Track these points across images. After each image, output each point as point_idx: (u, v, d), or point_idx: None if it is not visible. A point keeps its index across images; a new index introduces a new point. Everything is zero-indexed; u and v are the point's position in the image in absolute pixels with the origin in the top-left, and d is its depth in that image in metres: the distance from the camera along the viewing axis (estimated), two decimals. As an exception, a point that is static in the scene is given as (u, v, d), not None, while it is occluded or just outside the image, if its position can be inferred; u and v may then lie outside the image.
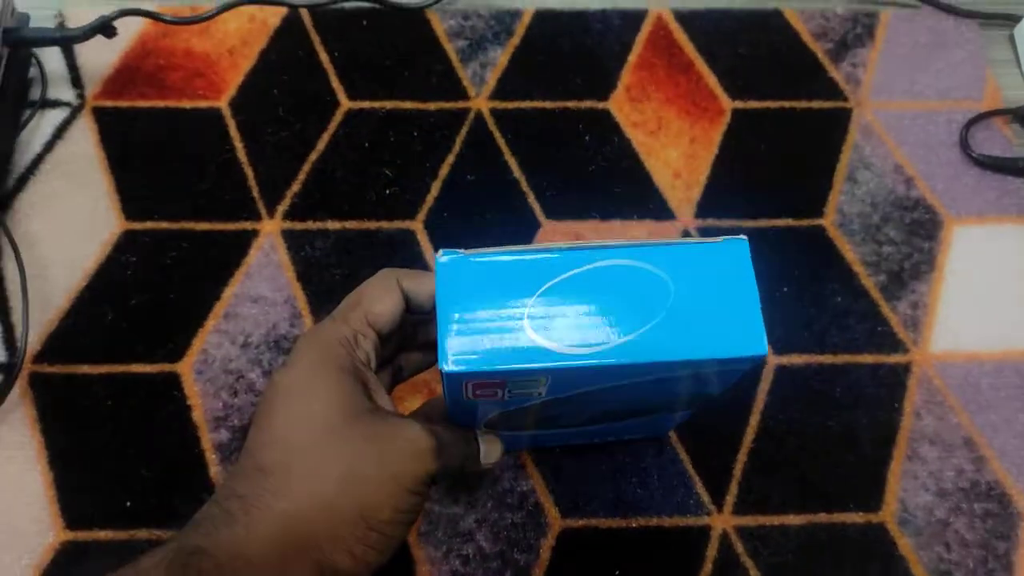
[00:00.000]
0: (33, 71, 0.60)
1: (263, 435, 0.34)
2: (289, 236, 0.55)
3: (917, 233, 0.56)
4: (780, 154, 0.59)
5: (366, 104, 0.60)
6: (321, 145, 0.58)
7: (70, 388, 0.51)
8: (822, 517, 0.48)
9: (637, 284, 0.32)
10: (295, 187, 0.57)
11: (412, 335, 0.42)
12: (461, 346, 0.31)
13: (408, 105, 0.60)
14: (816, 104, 0.61)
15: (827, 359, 0.52)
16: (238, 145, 0.58)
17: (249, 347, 0.52)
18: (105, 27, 0.57)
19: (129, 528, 0.48)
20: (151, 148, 0.58)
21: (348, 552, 0.33)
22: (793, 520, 0.48)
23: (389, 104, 0.60)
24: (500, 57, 0.62)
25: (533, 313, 0.32)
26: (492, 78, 0.61)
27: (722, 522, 0.48)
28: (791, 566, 0.47)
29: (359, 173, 0.57)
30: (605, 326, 0.32)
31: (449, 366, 0.31)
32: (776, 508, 0.49)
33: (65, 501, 0.48)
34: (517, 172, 0.58)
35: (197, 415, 0.50)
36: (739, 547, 0.48)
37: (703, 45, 0.63)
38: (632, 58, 0.62)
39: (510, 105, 0.60)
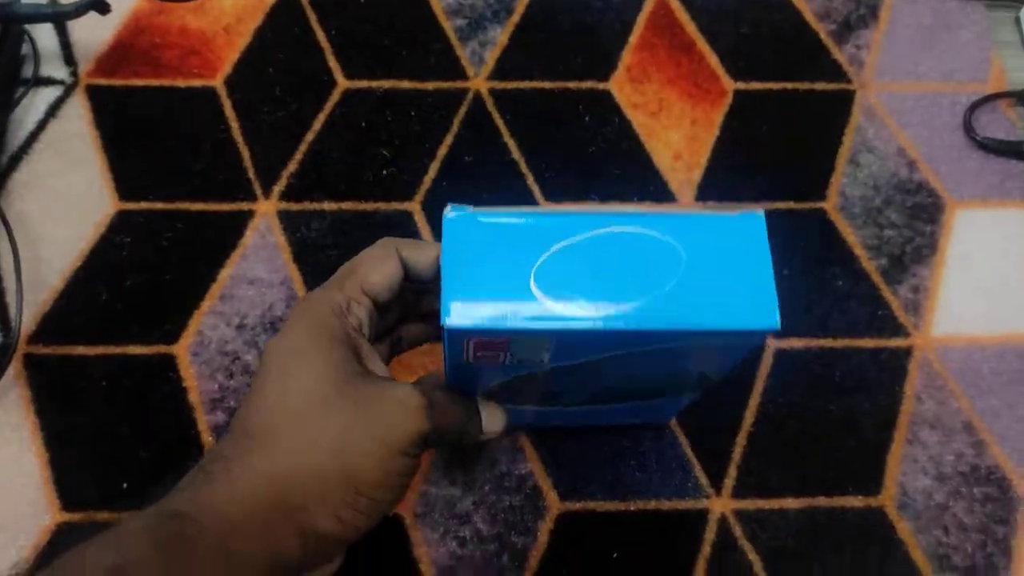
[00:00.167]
0: (26, 48, 0.59)
1: (252, 401, 0.34)
2: (285, 217, 0.55)
3: (919, 216, 0.56)
4: (782, 136, 0.58)
5: (363, 84, 0.59)
6: (317, 125, 0.58)
7: (65, 369, 0.50)
8: (821, 501, 0.48)
9: (648, 252, 0.32)
10: (291, 167, 0.56)
11: (414, 304, 0.42)
12: (465, 302, 0.31)
13: (406, 85, 0.59)
14: (819, 86, 0.60)
15: (827, 343, 0.52)
16: (233, 125, 0.57)
17: (245, 329, 0.52)
18: (98, 3, 0.56)
19: (125, 509, 0.47)
20: (145, 127, 0.57)
21: (334, 516, 0.33)
22: (792, 504, 0.48)
23: (387, 84, 0.59)
24: (499, 36, 0.61)
25: (540, 274, 0.31)
26: (491, 58, 0.60)
27: (721, 505, 0.48)
28: (790, 550, 0.47)
29: (356, 153, 0.57)
30: (614, 291, 0.31)
31: (452, 320, 0.30)
32: (775, 492, 0.48)
33: (61, 482, 0.48)
34: (516, 153, 0.57)
35: (193, 397, 0.50)
36: (737, 530, 0.48)
37: (705, 25, 0.62)
38: (633, 38, 0.62)
39: (509, 85, 0.59)
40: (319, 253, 0.54)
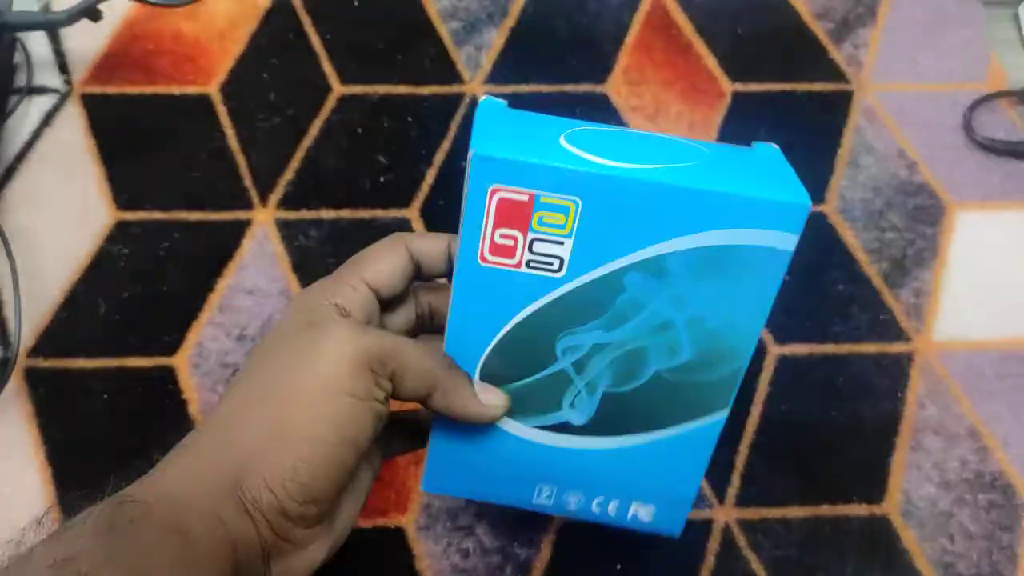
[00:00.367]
0: (19, 57, 0.59)
1: (220, 401, 0.33)
2: (283, 225, 0.54)
3: (920, 219, 0.55)
4: (780, 138, 0.58)
5: (359, 89, 0.59)
6: (314, 131, 0.57)
7: (65, 382, 0.50)
8: (825, 509, 0.48)
9: (673, 144, 0.33)
10: (288, 175, 0.56)
11: (430, 321, 0.40)
12: (494, 143, 0.30)
13: (402, 90, 0.59)
14: (817, 86, 0.60)
15: (829, 349, 0.52)
16: (229, 132, 0.57)
17: (245, 340, 0.51)
18: (91, 10, 0.55)
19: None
20: (141, 135, 0.57)
21: (264, 482, 0.30)
22: (796, 512, 0.48)
23: (382, 89, 0.59)
24: (495, 39, 0.61)
25: (571, 137, 0.31)
26: (487, 61, 0.60)
27: (724, 514, 0.48)
28: (794, 559, 0.47)
29: (353, 160, 0.56)
30: (643, 157, 0.31)
31: (481, 150, 0.29)
32: (778, 500, 0.48)
33: (63, 496, 0.48)
34: (514, 158, 0.57)
35: (193, 409, 0.50)
36: (741, 540, 0.47)
37: (702, 25, 0.62)
38: (629, 40, 0.61)
39: (506, 89, 0.59)
40: (317, 262, 0.53)
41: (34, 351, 0.51)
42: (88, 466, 0.48)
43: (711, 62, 0.60)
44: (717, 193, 0.30)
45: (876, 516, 0.48)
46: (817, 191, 0.56)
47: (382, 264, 0.35)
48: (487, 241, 0.31)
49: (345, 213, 0.55)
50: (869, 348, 0.52)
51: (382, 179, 0.56)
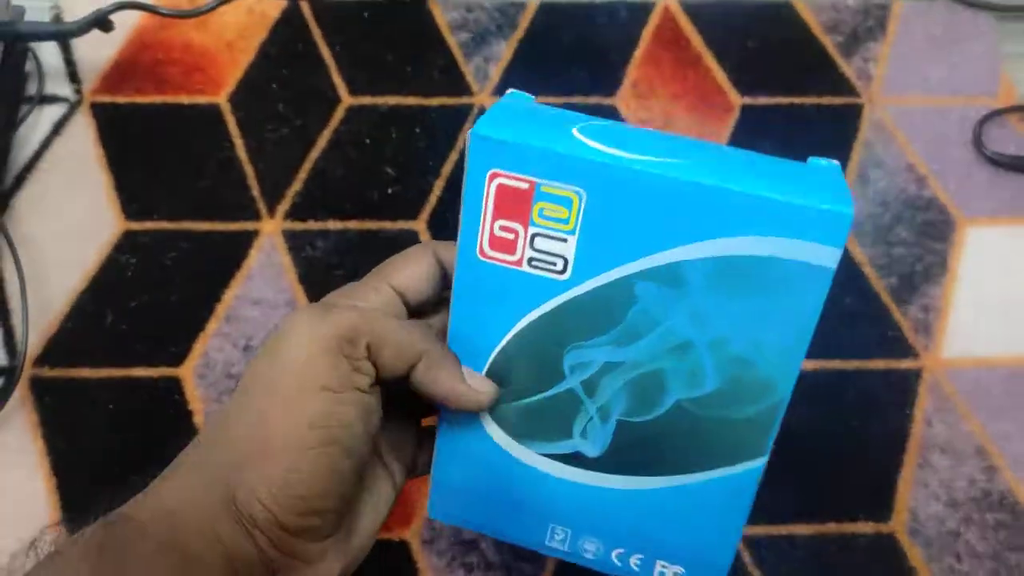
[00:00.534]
0: (30, 66, 0.59)
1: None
2: (290, 236, 0.54)
3: (929, 234, 0.55)
4: (789, 152, 0.58)
5: (367, 100, 0.59)
6: (322, 142, 0.57)
7: (71, 392, 0.50)
8: (830, 527, 0.48)
9: (709, 147, 0.31)
10: (296, 186, 0.56)
11: None
12: (498, 126, 0.28)
13: (410, 101, 0.59)
14: (826, 100, 0.59)
15: (836, 364, 0.52)
16: (238, 142, 0.57)
17: (251, 350, 0.51)
18: (102, 21, 0.56)
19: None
20: (150, 145, 0.57)
21: (251, 492, 0.28)
22: (801, 530, 0.48)
23: (391, 100, 0.59)
24: (503, 51, 0.61)
25: (585, 129, 0.29)
26: (495, 73, 0.60)
27: (729, 531, 0.48)
28: (799, 576, 0.47)
29: (361, 171, 0.56)
30: (661, 151, 0.28)
31: (481, 129, 0.28)
32: (783, 517, 0.48)
33: (67, 507, 0.48)
34: (522, 171, 0.57)
35: (199, 420, 0.50)
36: (746, 556, 0.47)
37: (711, 38, 0.62)
38: (638, 52, 0.61)
39: (515, 101, 0.59)
40: (324, 273, 0.53)
41: (40, 360, 0.51)
42: (93, 476, 0.48)
43: (720, 75, 0.60)
44: (738, 193, 0.27)
45: (883, 534, 0.48)
46: (825, 205, 0.56)
47: (408, 269, 0.34)
48: (486, 232, 0.30)
49: (352, 224, 0.55)
50: (876, 364, 0.52)
51: (390, 190, 0.56)
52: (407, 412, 0.37)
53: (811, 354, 0.51)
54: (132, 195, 0.55)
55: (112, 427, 0.49)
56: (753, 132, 0.58)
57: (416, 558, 0.47)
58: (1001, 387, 0.51)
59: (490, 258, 0.30)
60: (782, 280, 0.28)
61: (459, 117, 0.58)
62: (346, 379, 0.29)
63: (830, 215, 0.27)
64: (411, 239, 0.54)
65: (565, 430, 0.33)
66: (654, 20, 0.62)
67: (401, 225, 0.55)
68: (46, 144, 0.57)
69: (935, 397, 0.51)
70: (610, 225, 0.29)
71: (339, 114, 0.58)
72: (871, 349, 0.52)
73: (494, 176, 0.29)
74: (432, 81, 0.60)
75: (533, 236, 0.29)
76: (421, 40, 0.61)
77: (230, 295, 0.53)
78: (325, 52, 0.60)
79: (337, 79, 0.59)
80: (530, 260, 0.30)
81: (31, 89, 0.58)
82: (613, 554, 0.34)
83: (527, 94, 0.33)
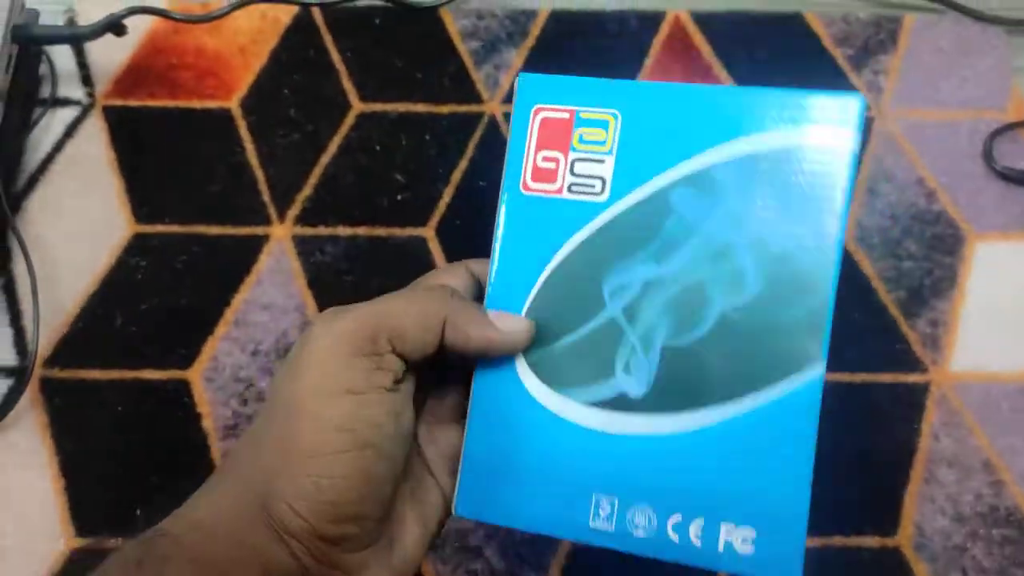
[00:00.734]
0: (43, 69, 0.59)
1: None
2: (300, 242, 0.55)
3: (938, 248, 0.55)
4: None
5: (378, 107, 0.59)
6: (332, 148, 0.57)
7: (80, 393, 0.51)
8: (836, 540, 0.48)
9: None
10: (306, 191, 0.56)
11: None
12: (537, 74, 0.33)
13: (421, 108, 0.59)
14: (837, 112, 0.59)
15: (843, 377, 0.52)
16: (249, 147, 0.57)
17: (259, 355, 0.52)
18: (115, 25, 0.56)
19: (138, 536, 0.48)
20: (162, 148, 0.57)
21: (284, 501, 0.28)
22: (807, 543, 0.48)
23: (401, 107, 0.59)
24: (514, 59, 0.61)
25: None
26: (506, 81, 0.60)
27: (734, 542, 0.48)
28: (803, 589, 0.47)
29: (370, 178, 0.57)
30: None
31: (526, 74, 0.32)
32: (789, 529, 0.48)
33: (75, 508, 0.48)
34: (531, 179, 0.57)
35: (207, 423, 0.50)
36: (751, 568, 0.47)
37: (721, 49, 0.62)
38: (649, 62, 0.61)
39: (525, 109, 0.59)
40: (334, 278, 0.54)
41: (50, 361, 0.51)
42: (101, 477, 0.49)
43: (730, 86, 0.60)
44: (758, 91, 0.30)
45: (888, 548, 0.48)
46: (834, 217, 0.56)
47: (451, 278, 0.35)
48: (530, 166, 0.32)
49: (362, 230, 0.55)
50: (884, 377, 0.52)
51: (399, 197, 0.56)
52: (456, 418, 0.36)
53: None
54: (143, 198, 0.56)
55: (120, 428, 0.50)
56: (763, 143, 0.58)
57: (420, 566, 0.47)
58: (1009, 402, 0.51)
59: (533, 191, 0.32)
60: (807, 169, 0.30)
61: (469, 125, 0.58)
62: (368, 379, 0.29)
63: (843, 99, 0.30)
64: (420, 246, 0.54)
65: (607, 368, 0.31)
66: (664, 30, 0.62)
67: (410, 232, 0.55)
68: (58, 147, 0.57)
69: (943, 411, 0.51)
70: (643, 140, 0.31)
71: (350, 120, 0.58)
72: (879, 362, 0.52)
73: (538, 111, 0.32)
74: (443, 88, 0.60)
75: (573, 162, 0.32)
76: (432, 47, 0.61)
77: (239, 299, 0.53)
78: (336, 58, 0.60)
79: (348, 85, 0.59)
80: (570, 186, 0.32)
81: (44, 92, 0.59)
82: (669, 524, 0.31)
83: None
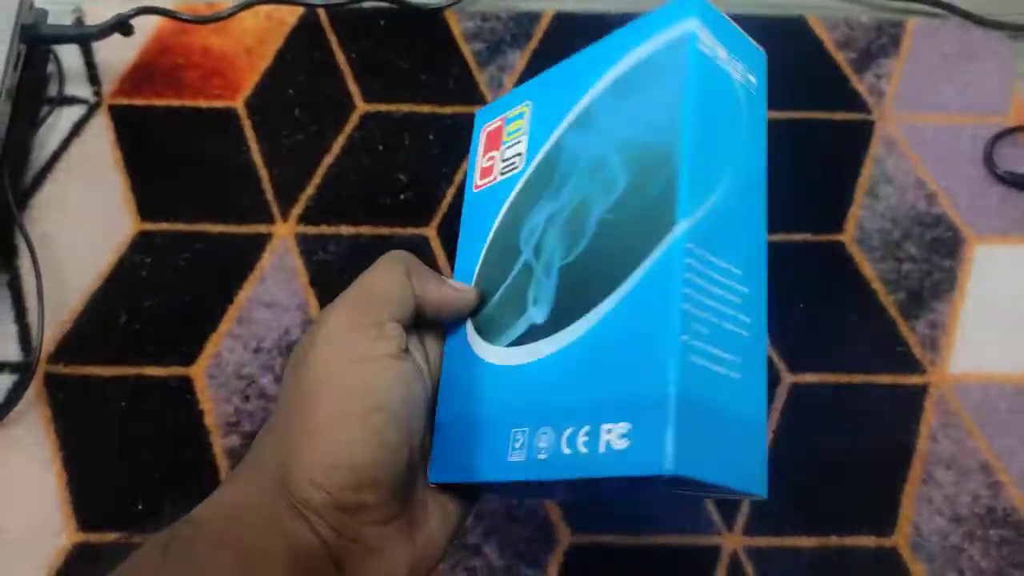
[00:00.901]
0: (50, 67, 0.60)
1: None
2: (303, 240, 0.55)
3: (938, 251, 0.55)
4: (800, 167, 0.58)
5: (382, 107, 0.59)
6: (336, 148, 0.58)
7: (84, 389, 0.51)
8: (833, 540, 0.48)
9: None
10: (309, 190, 0.57)
11: None
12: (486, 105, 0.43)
13: (424, 109, 0.59)
14: (838, 116, 0.60)
15: (842, 378, 0.52)
16: (253, 146, 0.58)
17: (261, 352, 0.52)
18: (123, 25, 0.57)
19: (140, 531, 0.48)
20: (167, 147, 0.58)
21: (306, 477, 0.29)
22: (804, 542, 0.48)
23: (405, 107, 0.59)
24: (518, 61, 0.61)
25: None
26: (509, 82, 0.60)
27: (732, 542, 0.48)
28: (801, 588, 0.47)
29: (374, 177, 0.57)
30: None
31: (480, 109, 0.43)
32: (787, 529, 0.48)
33: (78, 503, 0.48)
34: (533, 179, 0.57)
35: (209, 420, 0.50)
36: (749, 568, 0.47)
37: (724, 52, 0.62)
38: (652, 64, 0.61)
39: (528, 111, 0.60)
40: (336, 277, 0.54)
41: (55, 357, 0.52)
42: (104, 473, 0.49)
43: (732, 88, 0.61)
44: (618, 31, 0.35)
45: (885, 549, 0.48)
46: (835, 220, 0.56)
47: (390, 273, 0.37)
48: (479, 169, 0.38)
49: (365, 230, 0.55)
50: (883, 379, 0.52)
51: (402, 197, 0.56)
52: None
53: (817, 367, 0.52)
54: (148, 196, 0.56)
55: (123, 424, 0.50)
56: (764, 146, 0.58)
57: (420, 561, 0.47)
58: (1007, 404, 0.51)
59: (480, 186, 0.38)
60: (659, 65, 0.32)
61: (473, 125, 0.59)
62: (374, 347, 0.31)
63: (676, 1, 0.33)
64: (422, 245, 0.55)
65: (522, 306, 0.33)
66: (668, 33, 0.63)
67: (412, 231, 0.55)
68: (65, 145, 0.57)
69: (941, 412, 0.51)
70: (546, 111, 0.37)
71: (354, 120, 0.59)
72: (878, 363, 0.52)
73: (484, 129, 0.40)
74: (446, 89, 0.60)
75: (503, 152, 0.37)
76: (436, 49, 0.62)
77: (242, 297, 0.53)
78: (341, 59, 0.61)
79: (352, 86, 0.60)
80: (502, 171, 0.37)
81: (51, 90, 0.59)
82: (562, 439, 0.29)
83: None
